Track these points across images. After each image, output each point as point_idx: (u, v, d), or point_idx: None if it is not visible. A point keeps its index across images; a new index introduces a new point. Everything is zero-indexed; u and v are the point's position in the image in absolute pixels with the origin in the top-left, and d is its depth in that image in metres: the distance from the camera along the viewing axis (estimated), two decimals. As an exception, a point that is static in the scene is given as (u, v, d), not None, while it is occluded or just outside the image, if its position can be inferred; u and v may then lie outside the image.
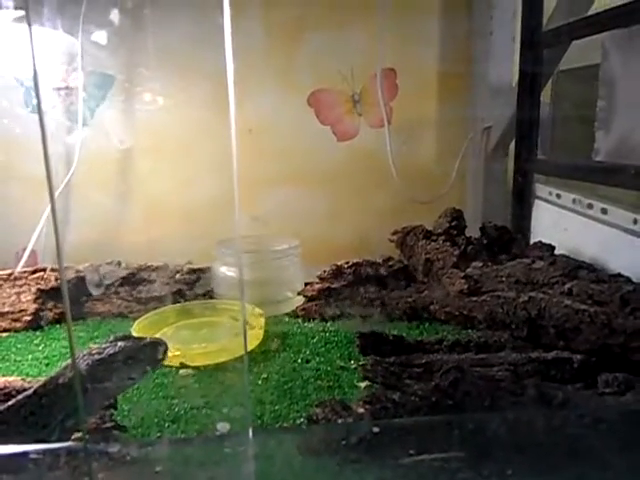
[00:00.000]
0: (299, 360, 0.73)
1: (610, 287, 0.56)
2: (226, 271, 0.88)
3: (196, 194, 1.20)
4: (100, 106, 1.16)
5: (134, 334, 0.76)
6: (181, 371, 0.70)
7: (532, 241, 1.00)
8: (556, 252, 0.88)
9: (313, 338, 0.80)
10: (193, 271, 0.91)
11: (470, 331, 0.72)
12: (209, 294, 0.90)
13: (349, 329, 0.79)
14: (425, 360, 0.57)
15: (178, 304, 0.86)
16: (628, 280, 0.61)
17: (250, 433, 0.32)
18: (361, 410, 0.47)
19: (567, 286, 0.59)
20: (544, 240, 0.97)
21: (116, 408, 0.49)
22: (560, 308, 0.58)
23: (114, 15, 1.10)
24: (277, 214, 1.22)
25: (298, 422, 0.52)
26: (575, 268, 0.66)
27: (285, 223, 1.19)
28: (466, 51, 1.27)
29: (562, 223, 0.92)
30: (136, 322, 0.79)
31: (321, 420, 0.45)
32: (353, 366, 0.69)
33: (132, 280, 0.89)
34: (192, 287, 0.89)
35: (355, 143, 1.27)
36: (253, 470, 0.31)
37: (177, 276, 0.89)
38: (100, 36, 1.12)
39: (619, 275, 0.63)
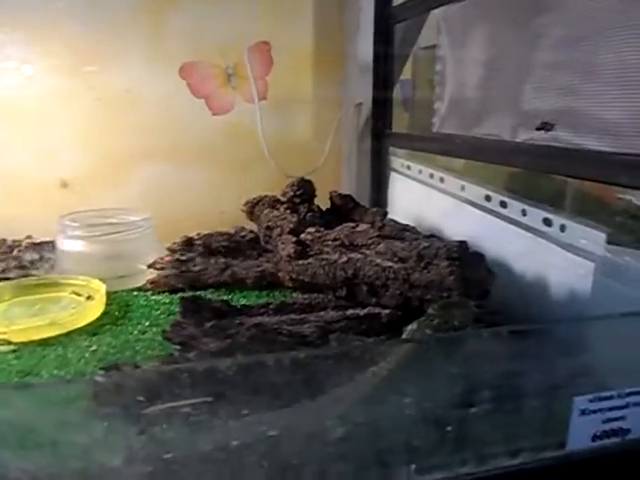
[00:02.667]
0: (135, 332, 0.72)
1: (411, 244, 0.59)
2: (69, 245, 0.84)
3: (56, 167, 1.13)
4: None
5: (-45, 313, 0.71)
6: (0, 348, 0.66)
7: (389, 212, 1.05)
8: (406, 220, 0.92)
9: (157, 310, 0.78)
10: (34, 246, 0.85)
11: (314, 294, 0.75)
12: (52, 269, 0.86)
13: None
14: (239, 322, 0.57)
15: (14, 280, 0.81)
16: (439, 239, 0.65)
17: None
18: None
19: (381, 246, 0.61)
20: (399, 210, 1.02)
21: None
22: (371, 267, 0.60)
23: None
24: (146, 189, 1.18)
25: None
26: (400, 230, 0.70)
27: (154, 199, 1.16)
28: (339, 27, 1.29)
29: (412, 193, 0.96)
30: (-42, 300, 0.73)
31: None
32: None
33: (-38, 257, 0.82)
34: (32, 263, 0.84)
35: (231, 117, 1.26)
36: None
37: (15, 252, 0.83)
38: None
39: (432, 235, 0.67)
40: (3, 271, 0.82)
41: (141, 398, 0.33)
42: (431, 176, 0.90)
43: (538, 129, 0.62)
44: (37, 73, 1.10)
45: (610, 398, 0.40)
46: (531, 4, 0.64)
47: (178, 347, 0.53)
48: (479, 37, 0.72)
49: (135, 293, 0.84)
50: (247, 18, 1.21)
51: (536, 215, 0.65)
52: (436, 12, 0.88)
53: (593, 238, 0.57)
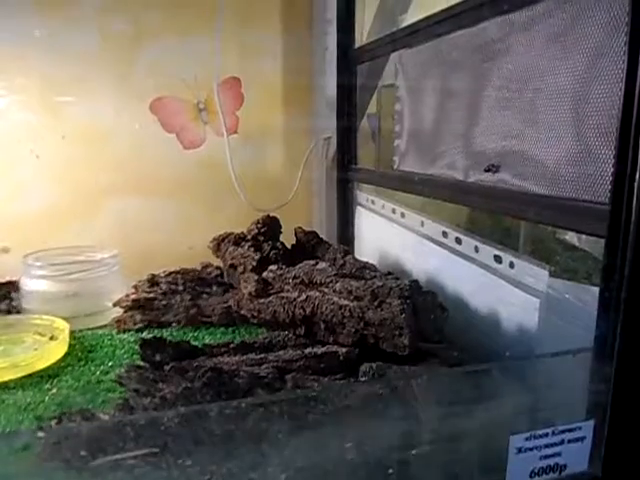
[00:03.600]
0: (97, 373, 0.72)
1: (366, 283, 0.61)
2: (34, 285, 0.84)
3: (26, 204, 1.13)
4: None
5: None
6: (-42, 392, 0.66)
7: (356, 246, 1.07)
8: (371, 255, 0.94)
9: (121, 349, 0.78)
10: (-3, 286, 0.85)
11: (276, 332, 0.76)
12: (16, 309, 0.85)
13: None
14: (197, 364, 0.58)
15: (-24, 322, 0.80)
16: (396, 278, 0.67)
17: None
18: (105, 417, 0.47)
19: (338, 285, 0.63)
20: (365, 245, 1.04)
21: None
22: (329, 305, 0.62)
23: None
24: (116, 224, 1.19)
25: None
26: (359, 268, 0.72)
27: (124, 234, 1.16)
28: (307, 64, 1.33)
29: (376, 228, 0.99)
30: None
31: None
32: (155, 375, 0.69)
33: None
34: (-4, 303, 0.83)
35: (202, 152, 1.28)
36: None
37: (-22, 293, 0.83)
38: None
39: (389, 273, 0.69)
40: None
41: (84, 452, 0.34)
42: (393, 211, 0.92)
43: (486, 170, 0.65)
44: (7, 108, 1.11)
45: (545, 436, 0.42)
46: (478, 50, 0.68)
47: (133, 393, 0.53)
48: (431, 80, 0.76)
49: (100, 332, 0.84)
50: (218, 54, 1.24)
51: (487, 252, 0.68)
52: (394, 54, 0.92)
53: (537, 275, 0.59)
